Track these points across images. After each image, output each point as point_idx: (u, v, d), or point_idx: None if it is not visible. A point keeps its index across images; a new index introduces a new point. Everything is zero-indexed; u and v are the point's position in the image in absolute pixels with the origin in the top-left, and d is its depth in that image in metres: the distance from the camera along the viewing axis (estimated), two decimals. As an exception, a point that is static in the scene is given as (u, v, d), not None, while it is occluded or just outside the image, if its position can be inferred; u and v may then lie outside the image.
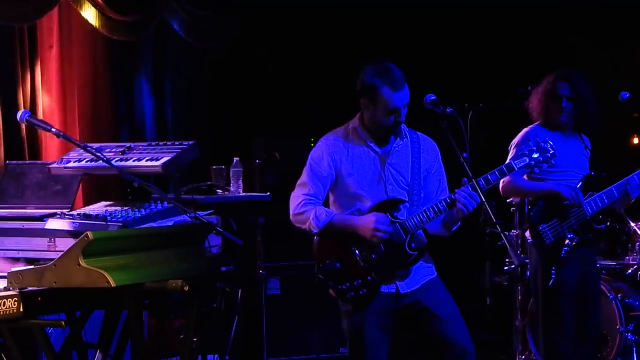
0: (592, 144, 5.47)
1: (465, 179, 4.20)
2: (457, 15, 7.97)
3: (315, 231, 4.29)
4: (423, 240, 4.36)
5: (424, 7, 7.85)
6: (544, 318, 5.32)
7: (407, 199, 4.31)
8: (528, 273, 5.54)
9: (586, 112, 5.28)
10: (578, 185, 5.25)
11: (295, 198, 4.35)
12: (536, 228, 5.23)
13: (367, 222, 4.20)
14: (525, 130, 5.39)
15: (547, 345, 5.31)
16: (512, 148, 5.35)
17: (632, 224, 6.49)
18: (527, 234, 5.37)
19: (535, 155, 4.31)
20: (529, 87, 5.56)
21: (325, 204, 4.40)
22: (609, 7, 7.57)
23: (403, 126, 4.38)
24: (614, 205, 5.36)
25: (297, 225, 4.35)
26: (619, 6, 7.54)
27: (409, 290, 4.32)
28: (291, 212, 4.36)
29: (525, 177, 5.32)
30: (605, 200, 5.24)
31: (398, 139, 4.36)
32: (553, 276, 5.15)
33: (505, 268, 6.41)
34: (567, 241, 5.19)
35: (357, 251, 4.26)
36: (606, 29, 7.70)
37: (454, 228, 4.34)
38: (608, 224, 5.38)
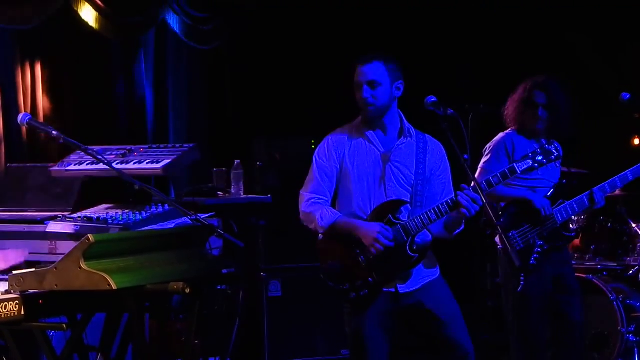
0: (580, 148, 5.46)
1: (464, 185, 4.22)
2: (458, 16, 7.97)
3: (320, 231, 4.32)
4: (425, 242, 4.36)
5: (425, 8, 7.85)
6: (515, 324, 5.29)
7: (409, 200, 4.31)
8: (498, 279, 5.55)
9: (560, 120, 5.26)
10: (549, 193, 5.25)
11: (303, 197, 4.38)
12: (506, 234, 5.19)
13: (370, 231, 4.21)
14: (500, 135, 5.35)
15: (518, 352, 5.29)
16: (486, 151, 5.32)
17: (633, 225, 6.49)
18: (497, 239, 5.34)
19: (539, 158, 4.31)
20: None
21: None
22: (610, 8, 7.57)
23: (409, 126, 4.39)
24: (589, 211, 5.36)
25: (305, 224, 4.37)
26: (620, 6, 7.54)
27: (408, 291, 4.32)
28: (300, 211, 4.38)
29: None
30: (576, 208, 5.23)
31: (402, 137, 4.36)
32: (522, 282, 5.14)
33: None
34: (536, 248, 5.18)
35: (359, 252, 4.26)
36: (607, 29, 7.70)
37: (456, 232, 4.34)
38: (578, 231, 5.36)
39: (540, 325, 5.22)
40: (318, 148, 4.43)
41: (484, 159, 5.28)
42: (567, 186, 5.31)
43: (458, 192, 4.16)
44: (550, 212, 5.17)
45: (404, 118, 4.39)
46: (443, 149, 4.44)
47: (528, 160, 4.31)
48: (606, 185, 5.25)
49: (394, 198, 4.30)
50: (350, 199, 4.36)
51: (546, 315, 5.26)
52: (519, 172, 4.30)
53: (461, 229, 4.33)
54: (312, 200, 4.34)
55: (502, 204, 5.28)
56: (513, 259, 4.42)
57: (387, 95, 4.29)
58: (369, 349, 4.30)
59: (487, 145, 5.36)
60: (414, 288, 4.33)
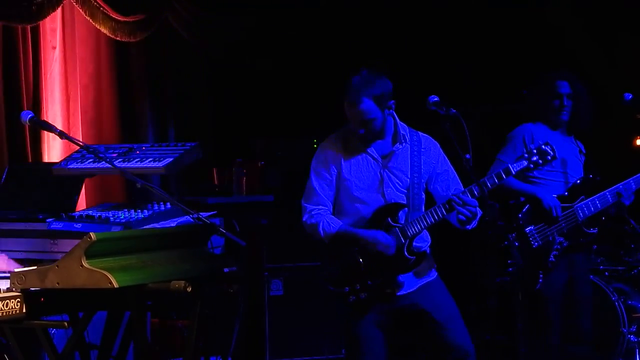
0: (587, 149, 5.45)
1: (458, 189, 4.22)
2: (458, 16, 7.96)
3: (325, 241, 4.33)
4: (422, 245, 4.37)
5: (426, 8, 7.85)
6: (529, 322, 5.27)
7: (406, 203, 4.32)
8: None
9: (582, 111, 5.25)
10: (566, 189, 5.22)
11: (305, 209, 4.40)
12: (523, 230, 5.17)
13: (374, 240, 4.23)
14: (520, 126, 5.32)
15: (532, 350, 5.26)
16: (507, 141, 5.31)
17: (635, 226, 6.48)
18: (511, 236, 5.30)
19: (534, 159, 4.31)
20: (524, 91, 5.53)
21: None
22: (610, 6, 7.57)
23: (403, 130, 4.38)
24: (608, 210, 5.31)
25: (309, 234, 4.39)
26: (620, 5, 7.53)
27: (404, 293, 4.34)
28: (302, 223, 4.41)
29: None
30: (599, 205, 5.18)
31: (397, 144, 4.36)
32: (540, 280, 5.10)
33: (509, 269, 6.39)
34: (556, 245, 5.14)
35: (358, 256, 4.27)
36: (608, 28, 7.69)
37: (475, 223, 4.29)
38: (599, 228, 5.31)
39: (555, 326, 5.18)
40: (314, 159, 4.44)
41: (501, 150, 5.26)
42: (590, 182, 5.27)
43: (452, 195, 4.17)
44: (560, 214, 5.13)
45: (397, 121, 4.38)
46: (437, 145, 4.45)
47: (523, 161, 4.30)
48: (631, 181, 5.22)
49: (392, 202, 4.31)
50: (352, 205, 4.37)
51: (560, 316, 5.22)
52: (513, 172, 4.29)
53: (473, 225, 4.29)
54: (314, 212, 4.36)
55: (522, 199, 5.25)
56: (515, 258, 4.42)
57: (380, 123, 4.28)
58: (366, 351, 4.32)
59: (506, 136, 5.35)
60: (410, 290, 4.35)
